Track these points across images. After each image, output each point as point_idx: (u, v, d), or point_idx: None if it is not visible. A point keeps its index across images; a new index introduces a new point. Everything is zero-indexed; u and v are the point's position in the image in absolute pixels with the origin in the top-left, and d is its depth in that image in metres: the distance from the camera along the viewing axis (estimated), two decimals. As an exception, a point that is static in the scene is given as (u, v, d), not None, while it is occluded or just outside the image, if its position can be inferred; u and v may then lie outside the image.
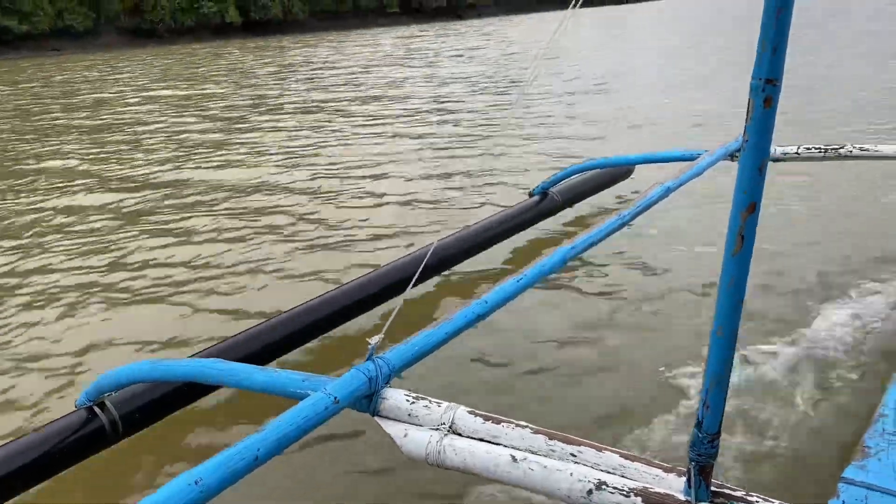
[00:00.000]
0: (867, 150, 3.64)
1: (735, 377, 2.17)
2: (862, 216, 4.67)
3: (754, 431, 2.41)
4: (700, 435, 1.24)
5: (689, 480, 1.29)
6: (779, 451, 2.31)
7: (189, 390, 2.46)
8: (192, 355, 2.55)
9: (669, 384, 2.76)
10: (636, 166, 5.32)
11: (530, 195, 4.55)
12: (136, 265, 4.72)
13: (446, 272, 3.88)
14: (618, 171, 5.19)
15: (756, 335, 3.05)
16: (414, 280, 2.00)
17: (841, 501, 1.15)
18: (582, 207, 4.92)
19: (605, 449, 1.46)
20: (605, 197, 5.17)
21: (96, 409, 2.27)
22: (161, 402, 2.40)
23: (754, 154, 1.10)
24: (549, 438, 1.51)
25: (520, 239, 4.37)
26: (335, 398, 1.58)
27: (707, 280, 3.67)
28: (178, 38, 59.67)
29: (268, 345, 2.69)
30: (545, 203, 4.49)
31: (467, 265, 3.92)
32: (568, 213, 4.74)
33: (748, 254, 1.15)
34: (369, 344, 1.71)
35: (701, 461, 1.26)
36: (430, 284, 3.79)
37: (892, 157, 3.61)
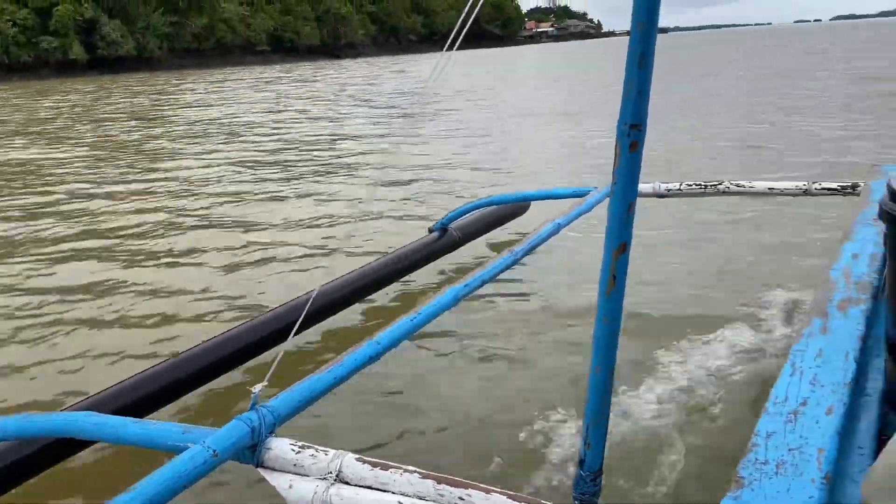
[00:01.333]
0: (743, 186, 3.86)
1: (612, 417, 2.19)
2: (739, 249, 4.94)
3: (631, 470, 2.42)
4: (582, 473, 1.25)
5: (573, 520, 1.29)
6: (658, 488, 2.34)
7: (61, 446, 2.29)
8: (65, 408, 2.38)
9: (554, 424, 2.73)
10: (533, 203, 5.46)
11: (430, 231, 4.57)
12: None
13: (343, 312, 3.82)
14: (515, 207, 5.30)
15: (628, 371, 3.03)
16: (297, 325, 1.94)
17: None
18: (481, 242, 4.99)
19: (493, 491, 1.45)
20: (503, 232, 5.26)
21: None
22: (30, 459, 2.23)
23: (622, 197, 1.13)
24: (438, 483, 1.48)
25: (421, 276, 4.37)
26: (214, 451, 1.51)
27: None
28: (11, 74, 54.85)
29: (145, 396, 2.55)
30: (444, 239, 4.52)
31: (365, 304, 3.87)
32: (469, 248, 4.79)
33: (621, 293, 1.18)
34: (252, 392, 1.65)
35: (584, 499, 1.27)
36: (322, 327, 3.67)
37: (764, 193, 3.85)
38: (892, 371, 1.72)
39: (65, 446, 2.30)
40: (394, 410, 2.99)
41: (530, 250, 2.97)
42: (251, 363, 3.05)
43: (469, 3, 1.27)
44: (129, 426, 1.71)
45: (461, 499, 1.45)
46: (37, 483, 2.29)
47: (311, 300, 2.79)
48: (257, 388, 1.65)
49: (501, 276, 2.94)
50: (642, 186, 4.03)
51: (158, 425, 1.71)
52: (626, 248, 1.16)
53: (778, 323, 3.50)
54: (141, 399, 2.52)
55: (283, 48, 77.73)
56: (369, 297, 3.95)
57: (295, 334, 1.86)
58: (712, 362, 3.12)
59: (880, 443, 1.53)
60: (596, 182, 4.37)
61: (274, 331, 3.04)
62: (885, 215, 1.62)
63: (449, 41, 1.25)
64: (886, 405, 1.72)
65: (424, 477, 1.50)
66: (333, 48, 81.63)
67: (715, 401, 2.83)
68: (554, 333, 3.66)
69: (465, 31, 1.26)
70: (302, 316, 1.97)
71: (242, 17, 72.93)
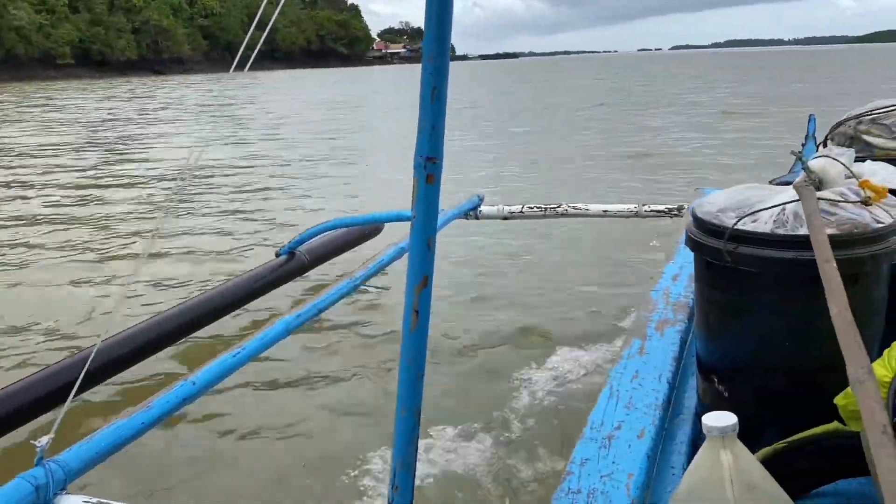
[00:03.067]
0: (580, 208, 4.02)
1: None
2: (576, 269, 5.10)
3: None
4: (392, 518, 1.19)
5: (384, 567, 1.23)
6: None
7: None
8: None
9: (367, 468, 2.60)
10: (387, 225, 5.41)
11: (277, 255, 4.41)
12: None
13: (178, 345, 3.57)
14: (367, 230, 5.23)
15: (439, 410, 2.93)
16: (81, 380, 1.68)
17: None
18: (331, 267, 4.87)
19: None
20: (358, 254, 5.17)
21: None
22: None
23: (422, 230, 1.09)
24: None
25: (264, 303, 4.20)
26: (-16, 518, 1.33)
27: (434, 346, 3.66)
28: None
29: None
30: (292, 263, 4.38)
31: (204, 332, 3.66)
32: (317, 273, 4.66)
33: (424, 329, 1.13)
34: (36, 447, 1.47)
35: (395, 543, 1.21)
36: (155, 360, 3.35)
37: (598, 215, 4.03)
38: (702, 391, 1.79)
39: None
40: (213, 455, 2.77)
41: (372, 275, 2.92)
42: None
43: (256, 21, 1.19)
44: None
45: None
46: None
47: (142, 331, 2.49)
48: (43, 440, 1.47)
49: (344, 302, 2.86)
50: (487, 209, 4.10)
51: None
52: (428, 281, 1.11)
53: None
54: None
55: (93, 62, 72.09)
56: (210, 325, 3.73)
57: (78, 391, 1.61)
58: (525, 395, 3.04)
59: (691, 461, 1.57)
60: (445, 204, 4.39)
61: (73, 378, 2.69)
62: (689, 240, 1.69)
63: (236, 62, 1.16)
64: (699, 424, 1.79)
65: None
66: (154, 63, 76.89)
67: (529, 436, 2.74)
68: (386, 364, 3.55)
69: (254, 53, 1.19)
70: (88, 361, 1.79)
71: (40, 27, 66.54)
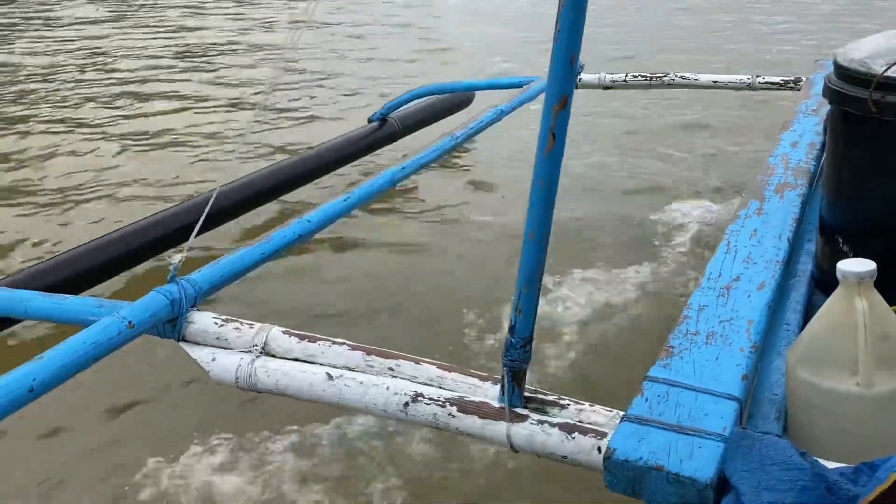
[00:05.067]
0: (688, 78, 3.82)
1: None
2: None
3: (559, 337, 2.50)
4: (513, 340, 1.22)
5: (502, 387, 1.27)
6: (588, 357, 2.41)
7: None
8: None
9: (487, 302, 2.75)
10: (478, 96, 5.32)
11: (369, 121, 4.41)
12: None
13: (278, 200, 3.69)
14: (458, 98, 5.15)
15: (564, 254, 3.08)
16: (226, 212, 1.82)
17: (645, 398, 1.18)
18: (423, 134, 4.85)
19: (423, 361, 1.42)
20: (447, 124, 5.13)
21: None
22: None
23: (564, 48, 1.05)
24: (367, 354, 1.45)
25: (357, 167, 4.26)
26: (129, 322, 1.43)
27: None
28: None
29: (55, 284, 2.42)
30: (384, 129, 4.38)
31: (300, 193, 3.76)
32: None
33: (560, 152, 1.11)
34: (171, 265, 1.56)
35: (514, 366, 1.25)
36: (256, 213, 3.54)
37: (708, 86, 3.82)
38: (822, 254, 1.74)
39: None
40: (324, 291, 2.97)
41: (470, 136, 2.89)
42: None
43: None
44: (38, 299, 1.61)
45: (391, 369, 1.42)
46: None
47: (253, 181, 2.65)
48: (177, 258, 1.56)
49: (440, 161, 2.89)
50: (587, 77, 3.95)
51: (71, 299, 1.63)
52: (567, 102, 1.08)
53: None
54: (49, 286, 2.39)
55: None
56: (304, 187, 3.83)
57: (228, 220, 1.75)
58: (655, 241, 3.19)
59: (805, 321, 1.55)
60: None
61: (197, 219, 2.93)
62: (827, 91, 1.59)
63: None
64: (814, 286, 1.75)
65: (353, 349, 1.47)
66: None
67: (650, 279, 2.88)
68: (490, 219, 3.65)
69: None
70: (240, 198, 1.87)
71: None
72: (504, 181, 4.26)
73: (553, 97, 1.08)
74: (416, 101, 4.63)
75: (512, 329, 1.21)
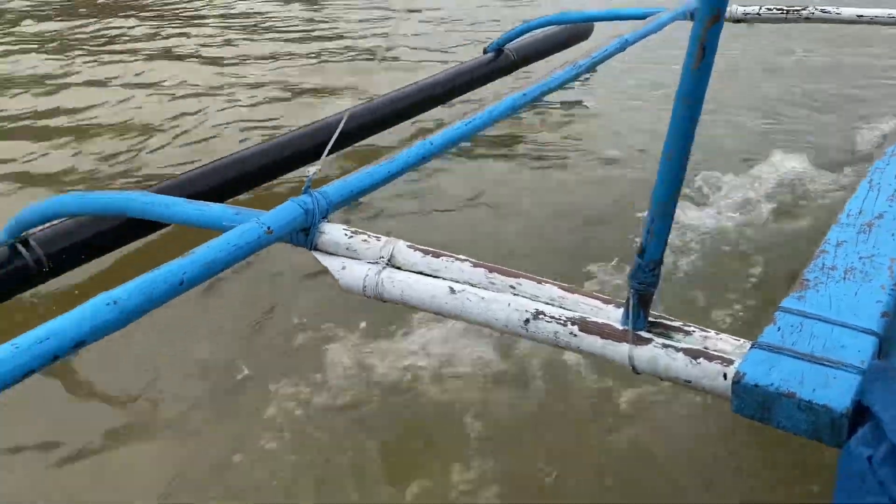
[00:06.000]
0: (829, 12, 3.55)
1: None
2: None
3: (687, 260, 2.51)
4: (642, 263, 1.21)
5: (627, 309, 1.27)
6: (716, 285, 2.40)
7: (122, 230, 2.37)
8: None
9: (619, 225, 2.76)
10: (596, 29, 5.14)
11: (485, 52, 4.37)
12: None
13: (398, 125, 3.75)
14: (576, 30, 5.00)
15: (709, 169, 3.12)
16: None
17: (777, 327, 1.16)
18: (539, 67, 4.75)
19: (546, 282, 1.44)
20: (563, 57, 5.00)
21: (19, 247, 2.16)
22: (91, 240, 2.30)
23: None
24: (490, 272, 1.48)
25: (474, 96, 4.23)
26: (268, 228, 1.51)
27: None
28: None
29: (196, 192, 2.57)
30: (500, 61, 4.33)
31: (420, 118, 3.80)
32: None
33: (708, 69, 1.07)
34: (306, 176, 1.62)
35: (641, 289, 1.24)
36: (377, 137, 3.63)
37: (851, 21, 3.54)
38: None
39: (125, 230, 2.37)
40: (446, 211, 3.04)
41: (596, 63, 2.81)
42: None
43: None
44: (183, 205, 1.72)
45: (512, 287, 1.44)
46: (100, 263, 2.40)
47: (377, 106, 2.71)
48: (311, 170, 1.62)
49: (560, 91, 2.83)
50: None
51: (211, 206, 1.72)
52: (720, 17, 1.04)
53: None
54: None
55: None
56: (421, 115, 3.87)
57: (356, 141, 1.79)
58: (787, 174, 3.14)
59: None
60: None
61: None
62: None
63: None
64: None
65: (476, 266, 1.50)
66: None
67: (783, 211, 2.85)
68: (615, 151, 3.63)
69: None
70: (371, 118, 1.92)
71: None
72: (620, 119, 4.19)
73: (706, 9, 1.03)
74: (533, 33, 4.53)
75: (642, 251, 1.20)
